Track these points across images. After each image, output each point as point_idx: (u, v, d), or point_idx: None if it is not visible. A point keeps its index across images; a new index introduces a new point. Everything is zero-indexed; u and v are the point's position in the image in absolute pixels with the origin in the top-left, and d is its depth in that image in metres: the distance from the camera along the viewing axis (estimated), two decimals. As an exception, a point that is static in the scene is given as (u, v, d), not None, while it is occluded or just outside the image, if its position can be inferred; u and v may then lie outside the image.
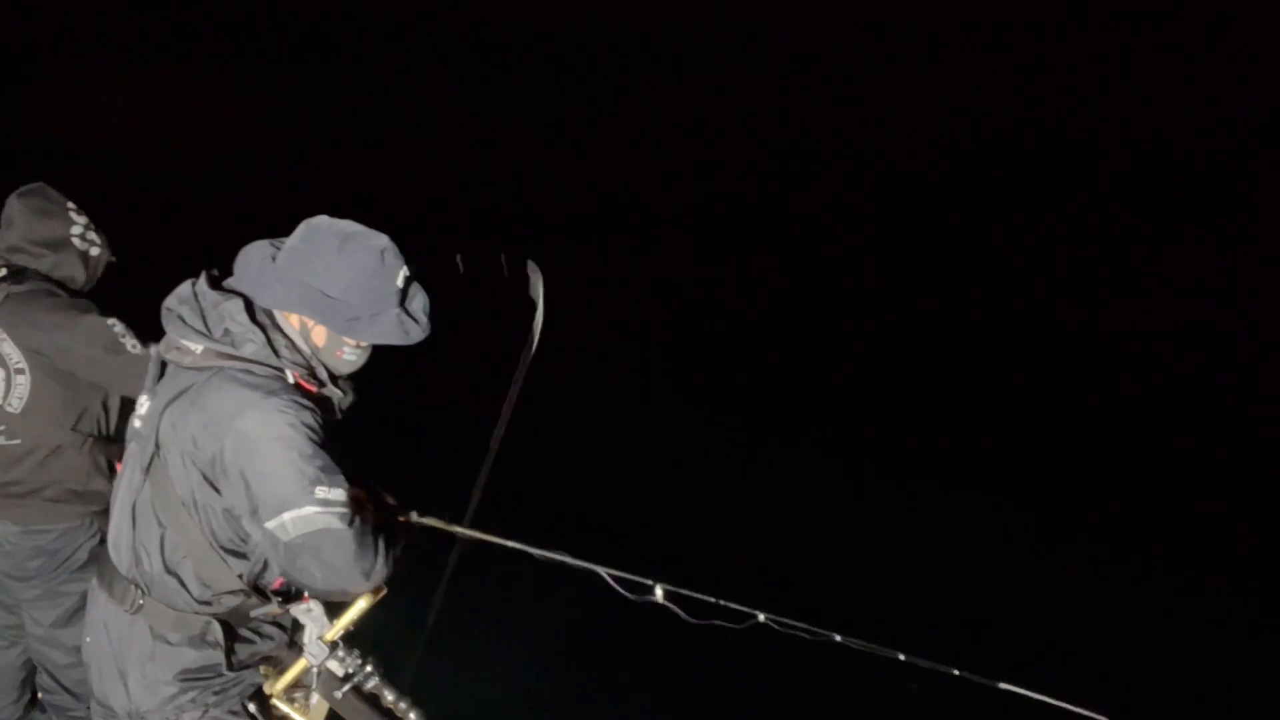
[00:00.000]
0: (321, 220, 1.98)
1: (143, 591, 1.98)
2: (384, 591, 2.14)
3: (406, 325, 1.97)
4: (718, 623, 2.09)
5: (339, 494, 1.85)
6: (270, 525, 1.82)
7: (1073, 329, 11.16)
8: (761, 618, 2.10)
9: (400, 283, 1.97)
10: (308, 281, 1.93)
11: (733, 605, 2.10)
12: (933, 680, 2.20)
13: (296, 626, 2.14)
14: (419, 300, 2.01)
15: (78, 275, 2.74)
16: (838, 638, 2.12)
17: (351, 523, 1.86)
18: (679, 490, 6.48)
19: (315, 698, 2.19)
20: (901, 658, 2.13)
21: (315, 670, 2.10)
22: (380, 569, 1.92)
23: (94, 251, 2.76)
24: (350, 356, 2.01)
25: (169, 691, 1.99)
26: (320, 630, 2.09)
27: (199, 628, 1.97)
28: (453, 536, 2.26)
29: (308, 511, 1.81)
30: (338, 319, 1.94)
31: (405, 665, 2.52)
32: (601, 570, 2.09)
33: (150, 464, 1.97)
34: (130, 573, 2.01)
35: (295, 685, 2.12)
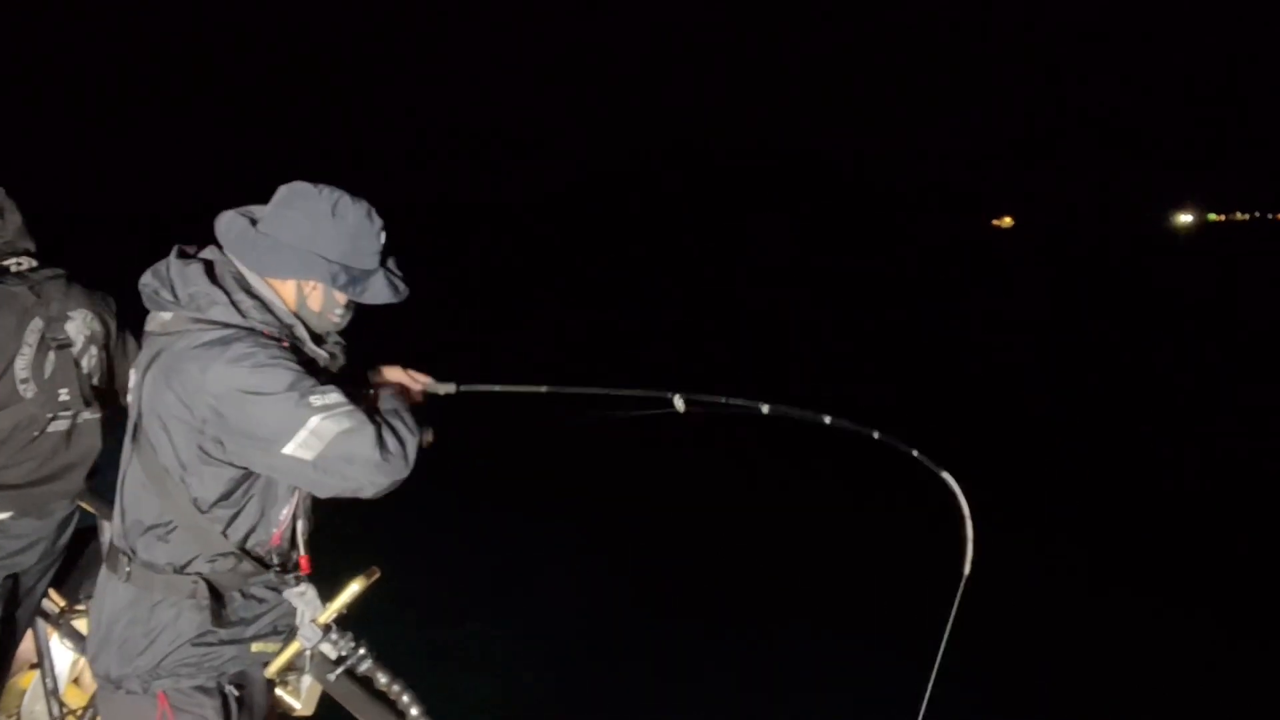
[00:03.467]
0: (304, 186, 2.03)
1: (129, 558, 2.02)
2: (377, 574, 2.14)
3: (395, 283, 2.07)
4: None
5: (335, 396, 1.85)
6: (289, 451, 1.82)
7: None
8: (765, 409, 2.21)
9: (383, 241, 2.05)
10: (306, 247, 1.98)
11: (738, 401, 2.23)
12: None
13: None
14: (393, 259, 2.09)
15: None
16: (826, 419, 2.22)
17: (362, 416, 1.85)
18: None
19: (308, 680, 2.18)
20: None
21: (308, 653, 2.09)
22: (412, 446, 1.91)
23: None
24: (338, 317, 2.09)
25: (146, 658, 2.00)
26: (313, 613, 2.08)
27: (186, 589, 1.98)
28: None
29: (314, 423, 1.81)
30: (340, 280, 2.00)
31: (399, 647, 2.51)
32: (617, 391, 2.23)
33: (135, 433, 2.01)
34: (120, 542, 2.05)
35: (288, 669, 2.11)
